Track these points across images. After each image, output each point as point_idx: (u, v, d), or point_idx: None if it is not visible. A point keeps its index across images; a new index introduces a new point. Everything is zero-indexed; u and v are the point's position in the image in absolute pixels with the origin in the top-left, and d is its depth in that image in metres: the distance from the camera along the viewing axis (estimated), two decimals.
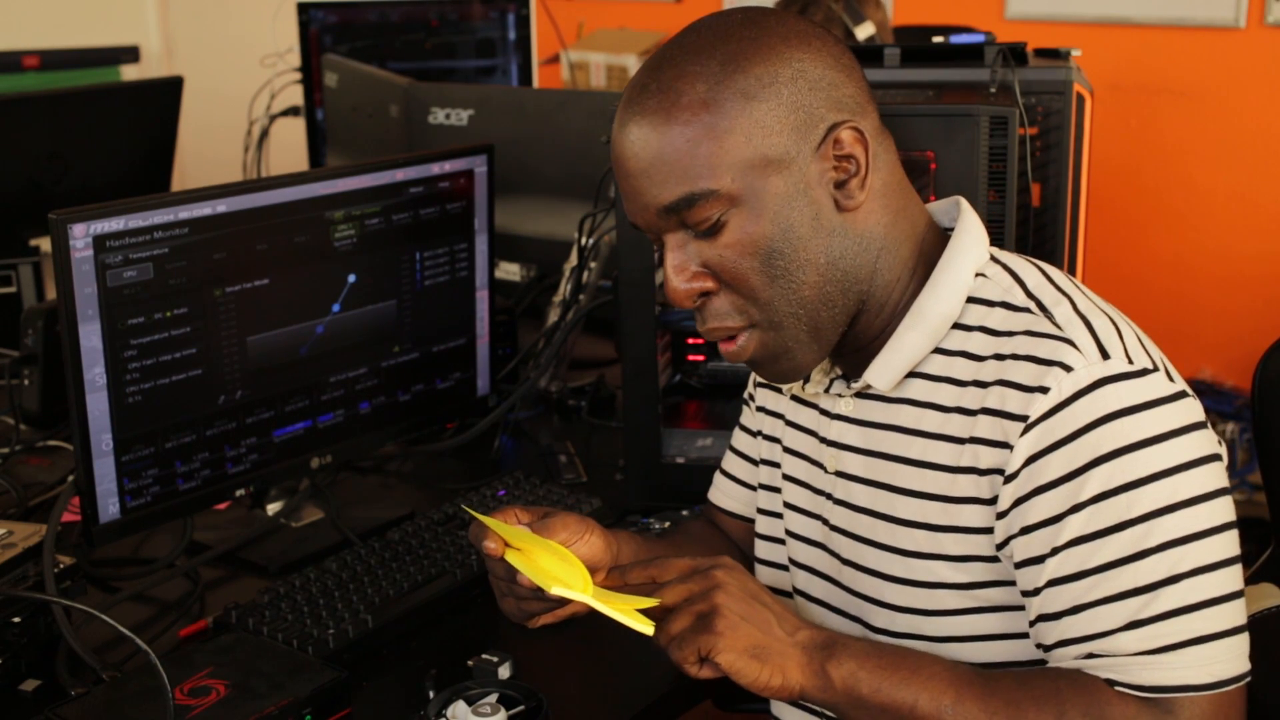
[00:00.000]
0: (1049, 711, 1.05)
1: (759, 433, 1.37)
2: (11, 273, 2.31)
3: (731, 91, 1.09)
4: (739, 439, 1.43)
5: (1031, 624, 1.10)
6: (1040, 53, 1.77)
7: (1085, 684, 1.05)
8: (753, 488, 1.40)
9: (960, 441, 1.12)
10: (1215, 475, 1.06)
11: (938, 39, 1.75)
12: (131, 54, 3.95)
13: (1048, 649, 1.09)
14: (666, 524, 1.64)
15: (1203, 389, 3.45)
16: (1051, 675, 1.07)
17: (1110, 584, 1.04)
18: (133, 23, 4.97)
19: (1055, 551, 1.06)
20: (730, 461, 1.44)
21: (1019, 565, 1.09)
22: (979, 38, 1.71)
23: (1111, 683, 1.05)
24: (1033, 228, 1.67)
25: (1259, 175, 3.52)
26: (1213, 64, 3.54)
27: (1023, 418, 1.07)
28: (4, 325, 2.21)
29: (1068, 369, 1.06)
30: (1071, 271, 1.73)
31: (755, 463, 1.39)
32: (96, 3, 4.87)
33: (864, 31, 2.54)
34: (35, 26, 4.51)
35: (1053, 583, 1.07)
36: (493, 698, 1.21)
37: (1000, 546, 1.11)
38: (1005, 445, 1.09)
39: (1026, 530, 1.08)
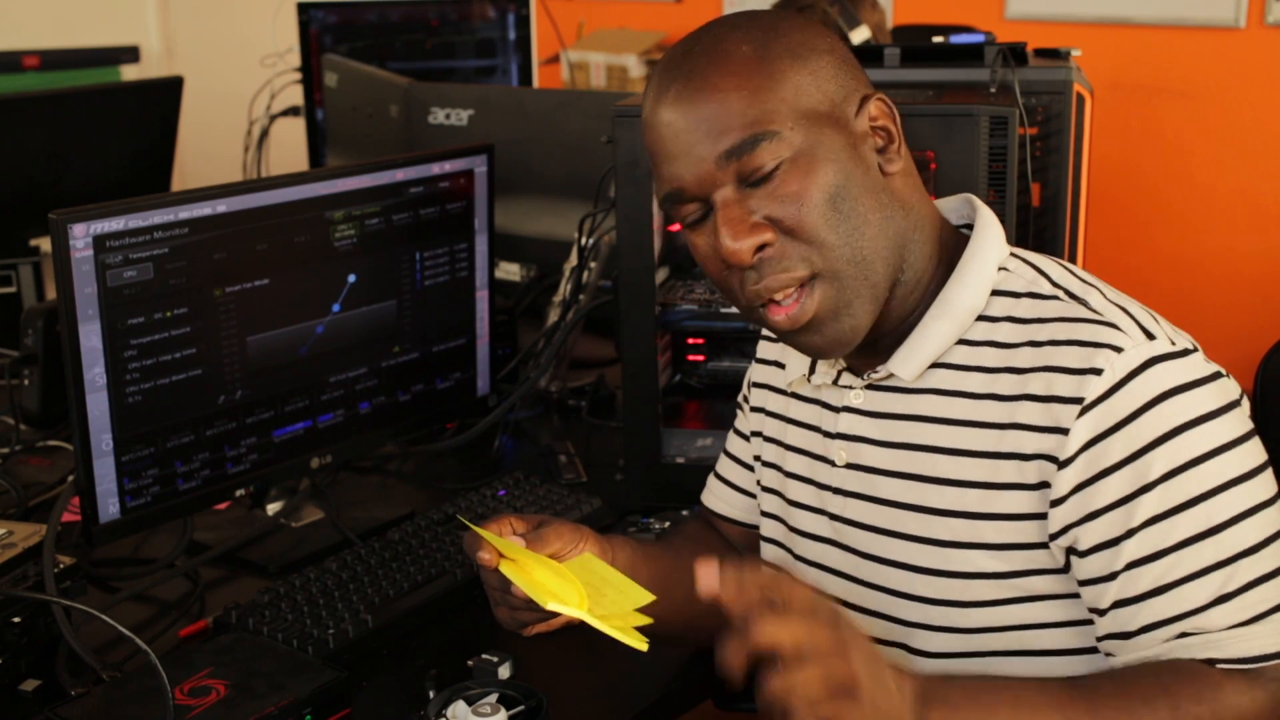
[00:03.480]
0: (1162, 709, 1.02)
1: (757, 434, 1.37)
2: (11, 273, 2.31)
3: (778, 51, 1.12)
4: (733, 443, 1.42)
5: (1104, 612, 1.08)
6: (1040, 53, 1.77)
7: (1189, 671, 1.04)
8: (746, 492, 1.39)
9: (1000, 427, 1.12)
10: (1259, 449, 1.09)
11: (938, 39, 1.75)
12: (131, 54, 3.95)
13: (1129, 636, 1.07)
14: (666, 524, 1.64)
15: None
16: (1150, 672, 1.05)
17: (1191, 561, 1.04)
18: (133, 23, 4.97)
19: (1131, 533, 1.05)
20: (724, 465, 1.43)
21: (1087, 552, 1.08)
22: (979, 38, 1.71)
23: (1211, 662, 1.04)
24: (1033, 228, 1.67)
25: (1259, 174, 3.52)
26: (1213, 64, 3.54)
27: (1077, 400, 1.07)
28: (4, 325, 2.20)
29: (1117, 349, 1.07)
30: None
31: (750, 467, 1.39)
32: (96, 3, 4.87)
33: (859, 36, 2.54)
34: (35, 26, 4.51)
35: (1132, 565, 1.06)
36: (493, 698, 1.21)
37: (1056, 535, 1.09)
38: (1056, 430, 1.08)
39: (1094, 515, 1.07)
